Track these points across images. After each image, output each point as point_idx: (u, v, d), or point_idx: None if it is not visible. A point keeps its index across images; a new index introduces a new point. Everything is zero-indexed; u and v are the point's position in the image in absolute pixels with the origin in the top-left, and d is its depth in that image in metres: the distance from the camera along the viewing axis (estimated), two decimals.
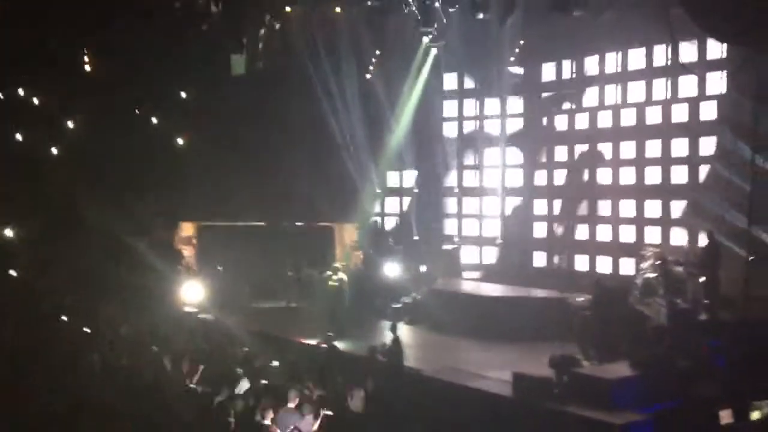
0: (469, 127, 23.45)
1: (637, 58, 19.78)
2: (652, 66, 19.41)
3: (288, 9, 20.34)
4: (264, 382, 13.04)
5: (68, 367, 13.93)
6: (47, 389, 12.70)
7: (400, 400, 12.65)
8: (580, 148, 21.10)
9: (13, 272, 19.88)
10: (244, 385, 12.81)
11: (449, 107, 23.52)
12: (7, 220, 20.70)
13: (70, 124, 22.68)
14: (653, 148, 19.41)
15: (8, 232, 20.78)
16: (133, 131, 22.24)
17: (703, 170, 18.34)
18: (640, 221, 19.44)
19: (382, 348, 14.38)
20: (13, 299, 17.68)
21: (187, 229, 23.66)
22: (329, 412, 11.33)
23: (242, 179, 22.10)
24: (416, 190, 23.57)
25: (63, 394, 12.53)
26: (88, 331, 16.27)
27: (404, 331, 14.94)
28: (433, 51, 21.73)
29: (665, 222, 18.90)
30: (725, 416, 11.40)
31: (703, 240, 16.57)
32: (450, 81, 23.33)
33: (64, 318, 17.16)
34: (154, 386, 12.97)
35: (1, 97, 22.25)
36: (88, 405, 12.12)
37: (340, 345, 15.80)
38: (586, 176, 20.92)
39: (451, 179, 23.32)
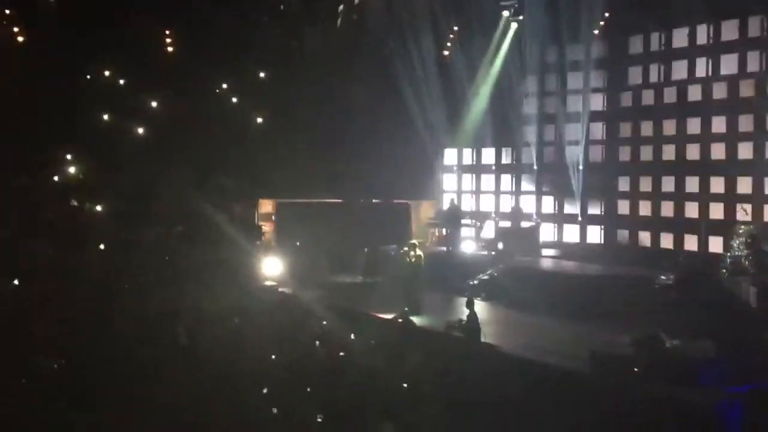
0: (550, 102, 22.94)
1: (729, 29, 18.93)
2: (746, 37, 18.54)
3: None
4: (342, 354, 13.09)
5: (153, 339, 14.29)
6: (132, 361, 13.06)
7: (476, 375, 12.48)
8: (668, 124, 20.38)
9: (101, 246, 20.49)
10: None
11: (530, 83, 23.03)
12: (96, 198, 21.35)
13: (154, 105, 23.22)
14: (746, 122, 18.59)
15: (97, 208, 21.44)
16: (214, 111, 22.62)
17: None
18: (731, 198, 18.67)
19: (458, 323, 14.22)
20: (102, 273, 18.22)
21: (266, 205, 23.93)
22: None
23: (320, 157, 22.18)
24: (494, 168, 23.22)
25: (148, 367, 12.87)
26: (173, 305, 16.62)
27: (480, 307, 14.66)
28: (513, 25, 21.26)
29: (757, 199, 18.09)
30: None
31: None
32: (531, 56, 22.83)
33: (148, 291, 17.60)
34: (234, 357, 13.17)
35: (89, 77, 22.94)
36: (173, 376, 12.41)
37: (416, 320, 15.73)
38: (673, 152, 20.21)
39: (529, 156, 22.86)
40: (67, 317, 15.14)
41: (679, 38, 20.24)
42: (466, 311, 14.40)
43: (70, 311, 15.56)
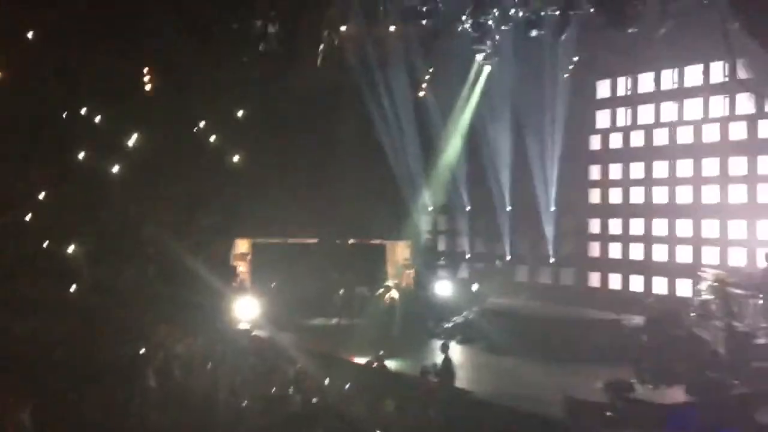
0: (521, 143, 23.29)
1: (694, 74, 19.49)
2: (709, 83, 19.10)
3: (343, 28, 20.54)
4: (315, 400, 13.15)
5: (124, 384, 14.23)
6: (103, 406, 13.00)
7: (452, 421, 12.60)
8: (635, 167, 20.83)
9: (72, 288, 20.37)
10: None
11: (503, 124, 23.40)
12: (68, 238, 21.23)
13: (130, 143, 23.20)
14: (711, 166, 19.07)
15: (69, 249, 21.32)
16: (190, 150, 22.66)
17: (762, 189, 17.93)
18: (697, 241, 19.08)
19: (433, 368, 14.32)
20: (72, 316, 18.11)
21: (241, 245, 23.96)
22: None
23: (296, 196, 22.33)
24: (468, 208, 23.47)
25: (119, 411, 12.83)
26: (144, 349, 16.55)
27: (456, 350, 14.83)
28: (487, 68, 21.67)
29: (723, 242, 18.51)
30: None
31: (762, 262, 16.14)
32: (503, 98, 23.22)
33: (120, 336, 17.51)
34: (208, 404, 13.17)
35: (64, 116, 22.91)
36: (144, 421, 12.39)
37: (391, 364, 15.81)
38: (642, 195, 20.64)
39: (502, 196, 23.16)
40: (42, 357, 15.12)
41: (646, 83, 20.76)
42: (441, 355, 14.50)
43: (45, 351, 15.52)
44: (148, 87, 22.95)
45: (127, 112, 22.38)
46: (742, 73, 17.43)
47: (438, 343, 16.46)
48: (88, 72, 21.08)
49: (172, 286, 20.05)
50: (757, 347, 14.17)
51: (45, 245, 20.62)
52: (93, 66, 20.93)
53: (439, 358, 15.13)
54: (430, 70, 22.19)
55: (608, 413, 12.16)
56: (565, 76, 21.30)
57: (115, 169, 22.65)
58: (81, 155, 22.39)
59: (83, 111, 22.90)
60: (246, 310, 19.14)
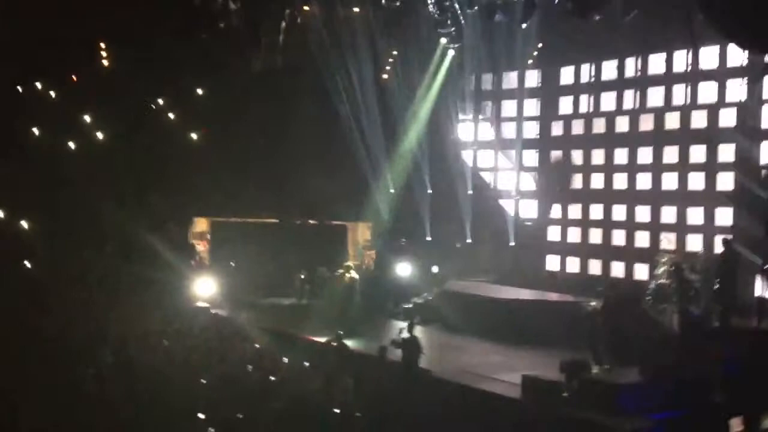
0: (485, 129, 23.39)
1: (656, 63, 19.66)
2: (671, 71, 19.28)
3: (306, 7, 20.32)
4: (272, 378, 13.07)
5: (81, 359, 14.02)
6: (59, 381, 12.79)
7: (409, 399, 12.60)
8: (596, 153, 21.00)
9: (27, 264, 20.01)
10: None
11: (466, 109, 23.44)
12: (23, 213, 20.84)
13: (87, 119, 22.81)
14: (671, 154, 19.29)
15: (23, 224, 20.93)
16: (148, 127, 22.34)
17: (721, 177, 18.20)
18: (655, 227, 19.31)
19: (399, 341, 14.09)
20: (27, 290, 17.79)
21: (200, 224, 23.70)
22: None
23: (256, 176, 22.15)
24: (429, 191, 23.46)
25: (74, 386, 12.63)
26: (100, 325, 16.33)
27: (414, 331, 14.75)
28: (450, 52, 21.63)
29: (681, 228, 18.76)
30: (736, 424, 11.27)
31: (719, 247, 16.38)
32: (467, 83, 23.25)
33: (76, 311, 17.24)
34: (164, 380, 13.01)
35: (20, 89, 22.42)
36: (97, 396, 12.21)
37: (350, 343, 15.75)
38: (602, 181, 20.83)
39: (464, 179, 23.20)
40: None
41: (609, 70, 20.90)
42: (406, 334, 14.36)
43: None
44: (104, 63, 22.58)
45: (84, 87, 22.00)
46: (704, 63, 17.64)
47: (396, 324, 16.46)
48: (45, 45, 20.67)
49: (129, 263, 19.78)
50: (711, 331, 14.40)
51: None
52: (50, 39, 20.53)
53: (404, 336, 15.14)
54: (394, 53, 22.09)
55: (564, 392, 12.26)
56: (529, 62, 21.38)
57: (71, 145, 22.32)
58: (35, 131, 22.02)
59: (38, 85, 22.53)
60: (205, 289, 18.99)
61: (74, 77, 22.06)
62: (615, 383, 12.36)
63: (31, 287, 18.33)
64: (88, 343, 15.06)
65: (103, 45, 22.61)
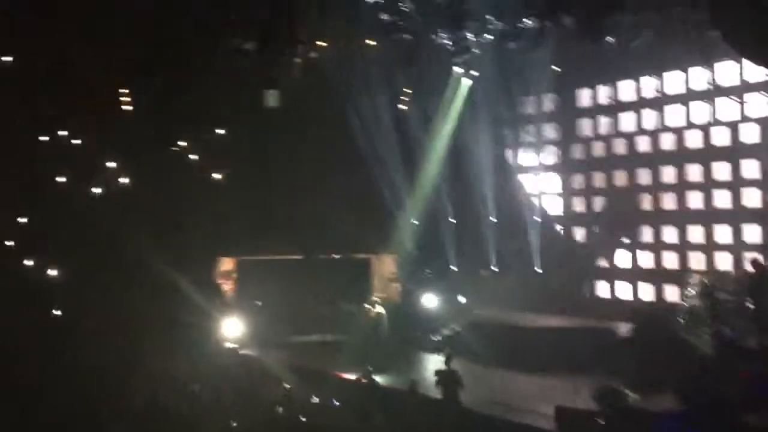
0: (504, 155, 23.33)
1: (674, 81, 19.56)
2: (689, 89, 19.17)
3: (321, 42, 20.47)
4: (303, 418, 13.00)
5: (114, 405, 14.05)
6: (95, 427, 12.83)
7: None
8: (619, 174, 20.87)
9: (57, 312, 20.15)
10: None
11: (485, 136, 23.40)
12: (51, 260, 21.03)
13: (111, 164, 23.07)
14: (695, 171, 19.12)
15: (51, 272, 21.11)
16: (171, 169, 22.53)
17: (746, 194, 17.98)
18: (683, 247, 19.08)
19: (439, 377, 13.96)
20: (57, 340, 17.90)
21: (226, 263, 23.77)
22: None
23: (279, 213, 22.21)
24: (453, 220, 23.38)
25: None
26: (132, 369, 16.36)
27: (442, 364, 14.62)
28: (466, 81, 21.67)
29: (709, 247, 18.53)
30: None
31: (748, 266, 16.15)
32: (484, 111, 23.25)
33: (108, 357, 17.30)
34: (194, 425, 12.99)
35: (46, 138, 22.77)
36: None
37: (379, 379, 15.66)
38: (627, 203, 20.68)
39: (487, 207, 23.09)
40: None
41: (627, 90, 20.82)
42: (444, 367, 14.22)
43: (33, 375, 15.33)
44: (125, 107, 22.86)
45: (107, 132, 22.26)
46: (723, 78, 17.53)
47: (426, 357, 16.38)
48: (68, 93, 21.00)
49: (157, 306, 19.84)
50: (745, 352, 14.14)
51: (28, 268, 20.48)
52: (72, 86, 20.86)
53: (428, 372, 15.04)
54: (410, 84, 22.15)
55: (599, 421, 12.06)
56: (545, 86, 21.37)
57: (97, 190, 22.56)
58: (62, 178, 22.31)
59: (63, 132, 22.86)
60: (232, 329, 18.96)
61: (97, 123, 22.30)
62: (651, 410, 12.15)
63: (61, 332, 18.49)
64: (119, 386, 15.12)
65: (122, 90, 22.89)
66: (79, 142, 22.79)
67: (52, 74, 20.73)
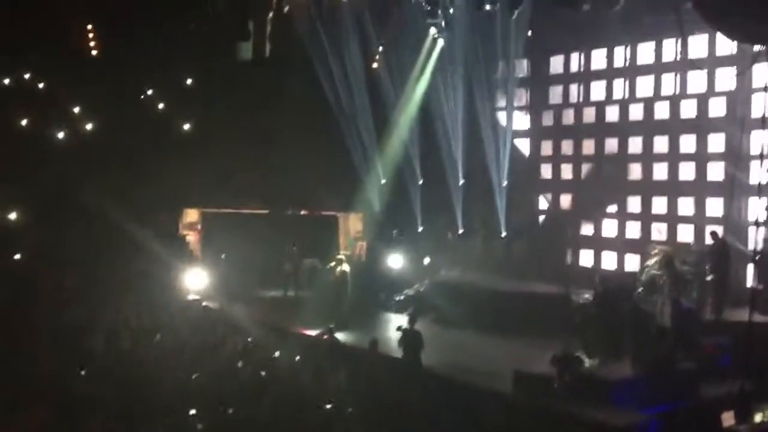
0: (474, 118, 23.25)
1: (646, 52, 19.60)
2: (661, 60, 19.24)
3: None
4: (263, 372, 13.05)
5: (69, 350, 13.97)
6: (47, 373, 12.76)
7: (404, 394, 12.60)
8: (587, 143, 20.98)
9: (16, 255, 19.90)
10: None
11: (456, 99, 23.31)
12: (10, 203, 20.71)
13: (75, 110, 22.66)
14: (661, 143, 19.28)
15: (12, 216, 20.80)
16: (137, 117, 22.20)
17: (711, 167, 18.21)
18: (646, 217, 19.32)
19: (401, 337, 14.08)
20: (15, 281, 17.72)
21: (191, 215, 23.59)
22: None
23: (247, 166, 22.05)
24: (420, 181, 23.40)
25: (62, 378, 12.58)
26: (92, 314, 16.27)
27: (405, 324, 14.73)
28: (440, 42, 21.51)
29: (672, 219, 18.78)
30: (728, 418, 11.32)
31: (709, 238, 16.42)
32: (457, 72, 23.11)
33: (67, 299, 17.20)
34: (156, 375, 12.96)
35: (7, 82, 22.26)
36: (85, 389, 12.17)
37: (342, 336, 15.76)
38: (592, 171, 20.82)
39: (455, 170, 23.12)
40: None
41: (598, 59, 20.84)
42: (407, 327, 14.30)
43: None
44: (93, 52, 22.37)
45: (71, 77, 21.82)
46: (693, 52, 17.60)
47: (389, 317, 16.48)
48: (32, 35, 20.51)
49: (117, 254, 19.69)
50: (703, 323, 14.46)
51: None
52: (37, 29, 20.37)
53: (390, 332, 15.16)
54: (383, 42, 21.93)
55: (556, 386, 12.29)
56: (519, 51, 21.29)
57: (58, 136, 22.19)
58: (23, 121, 21.88)
59: (26, 75, 22.37)
60: (196, 281, 18.91)
61: (62, 67, 21.82)
62: (607, 377, 12.41)
63: (20, 276, 18.30)
64: (79, 332, 15.04)
65: (90, 34, 22.38)
66: (42, 85, 22.37)
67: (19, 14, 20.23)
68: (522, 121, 22.67)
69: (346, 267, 17.97)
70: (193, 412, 11.33)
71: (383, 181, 23.27)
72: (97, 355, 14.16)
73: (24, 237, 20.35)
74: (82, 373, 12.86)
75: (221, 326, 16.21)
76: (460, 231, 22.54)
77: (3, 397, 11.60)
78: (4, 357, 13.21)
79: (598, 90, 20.85)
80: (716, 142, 18.18)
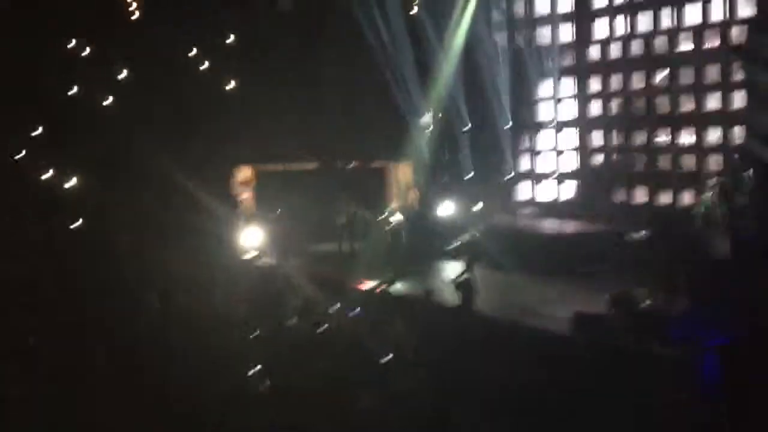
0: (520, 59, 22.88)
1: None
2: None
3: None
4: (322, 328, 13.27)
5: (128, 306, 14.38)
6: (108, 327, 13.19)
7: (462, 340, 12.71)
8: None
9: (79, 219, 20.41)
10: None
11: (500, 40, 22.92)
12: (67, 169, 21.18)
13: (122, 73, 22.91)
14: (712, 72, 18.75)
15: (71, 182, 21.30)
16: (183, 76, 22.35)
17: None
18: (701, 150, 18.89)
19: (457, 281, 14.22)
20: (77, 244, 18.24)
21: (244, 173, 23.78)
22: None
23: (295, 121, 22.08)
24: (468, 126, 23.18)
25: (123, 332, 13.00)
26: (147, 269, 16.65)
27: (461, 270, 14.78)
28: None
29: (726, 150, 18.32)
30: None
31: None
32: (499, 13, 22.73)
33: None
34: (215, 332, 13.28)
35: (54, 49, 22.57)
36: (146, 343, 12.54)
37: (399, 287, 15.85)
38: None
39: (503, 113, 22.83)
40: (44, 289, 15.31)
41: None
42: (463, 273, 14.38)
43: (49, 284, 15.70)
44: (134, 16, 22.53)
45: (117, 41, 22.04)
46: None
47: (444, 265, 16.48)
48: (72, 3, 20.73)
49: (174, 214, 20.01)
50: (764, 252, 14.16)
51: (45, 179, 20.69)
52: None
53: (446, 279, 15.21)
54: None
55: (615, 325, 12.26)
56: None
57: (108, 100, 22.51)
58: (73, 88, 22.23)
59: (71, 44, 22.65)
60: (251, 239, 19.11)
61: (107, 33, 22.05)
62: (665, 313, 12.32)
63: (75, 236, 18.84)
64: (135, 286, 15.44)
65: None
66: (88, 51, 22.64)
67: None
68: (568, 57, 22.19)
69: (399, 217, 17.99)
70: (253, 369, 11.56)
71: (431, 128, 23.12)
72: (153, 307, 14.50)
73: (82, 205, 20.83)
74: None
75: (278, 283, 16.45)
76: (511, 174, 22.38)
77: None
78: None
79: (645, 21, 20.27)
80: None
